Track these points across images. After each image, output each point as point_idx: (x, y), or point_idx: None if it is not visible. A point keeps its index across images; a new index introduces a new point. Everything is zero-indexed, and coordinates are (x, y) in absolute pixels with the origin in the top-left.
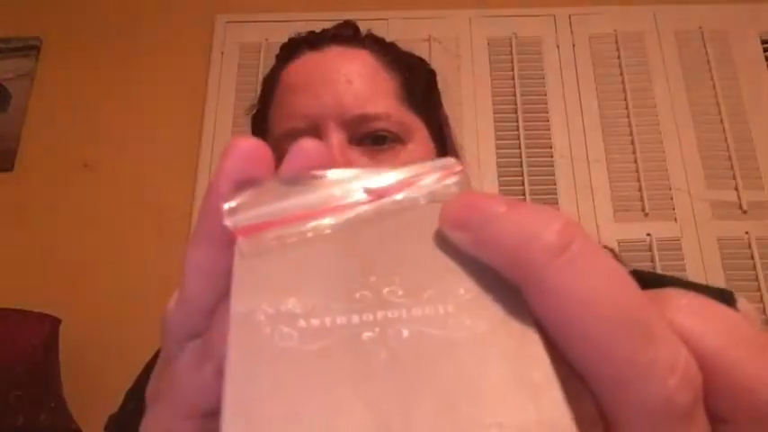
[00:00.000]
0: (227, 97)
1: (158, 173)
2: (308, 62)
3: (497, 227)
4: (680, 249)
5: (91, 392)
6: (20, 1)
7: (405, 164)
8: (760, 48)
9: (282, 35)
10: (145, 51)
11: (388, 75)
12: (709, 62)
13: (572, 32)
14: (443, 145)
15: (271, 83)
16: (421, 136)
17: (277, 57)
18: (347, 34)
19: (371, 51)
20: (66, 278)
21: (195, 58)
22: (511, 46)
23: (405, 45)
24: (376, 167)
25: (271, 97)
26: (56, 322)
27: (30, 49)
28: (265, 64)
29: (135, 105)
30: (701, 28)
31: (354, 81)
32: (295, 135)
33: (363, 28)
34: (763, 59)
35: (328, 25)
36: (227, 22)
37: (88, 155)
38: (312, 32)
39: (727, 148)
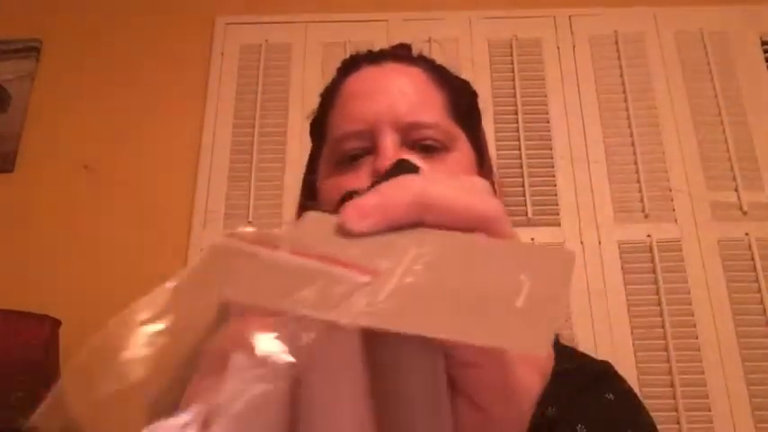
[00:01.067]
0: (227, 98)
1: (158, 173)
2: (367, 74)
3: (396, 200)
4: (680, 251)
5: None
6: (20, 2)
7: (451, 169)
8: (760, 48)
9: (282, 36)
10: (145, 52)
11: (437, 91)
12: (709, 63)
13: (572, 33)
14: (482, 158)
15: (332, 93)
16: (463, 146)
17: (338, 70)
18: (403, 53)
19: (423, 69)
20: (66, 278)
21: (195, 59)
22: (511, 47)
23: None
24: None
25: (331, 105)
26: (56, 323)
27: (30, 50)
28: (265, 65)
29: (135, 106)
30: (701, 29)
31: (408, 92)
32: (353, 136)
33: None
34: (764, 60)
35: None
36: (227, 23)
37: (88, 155)
38: (371, 51)
39: (727, 148)
